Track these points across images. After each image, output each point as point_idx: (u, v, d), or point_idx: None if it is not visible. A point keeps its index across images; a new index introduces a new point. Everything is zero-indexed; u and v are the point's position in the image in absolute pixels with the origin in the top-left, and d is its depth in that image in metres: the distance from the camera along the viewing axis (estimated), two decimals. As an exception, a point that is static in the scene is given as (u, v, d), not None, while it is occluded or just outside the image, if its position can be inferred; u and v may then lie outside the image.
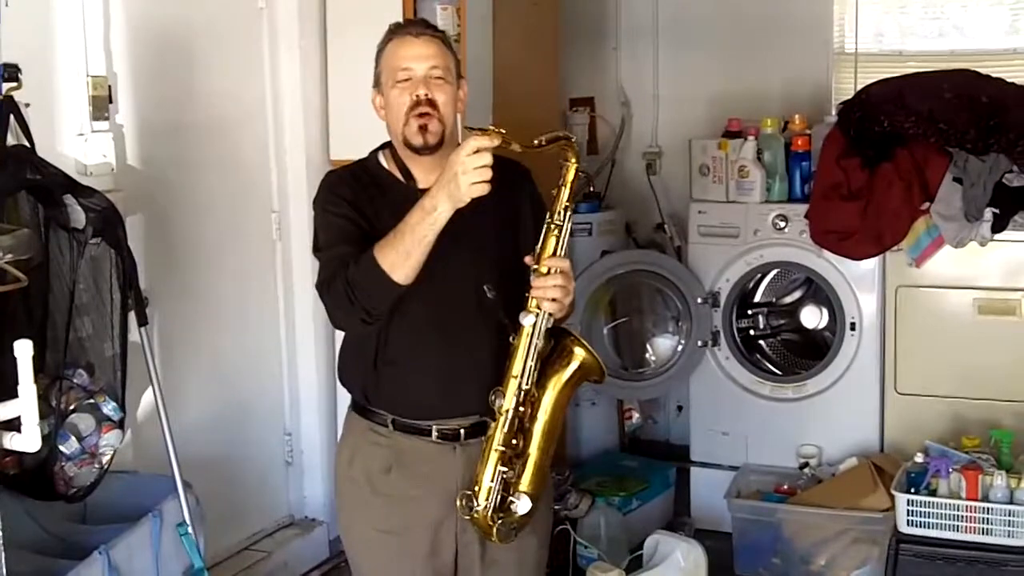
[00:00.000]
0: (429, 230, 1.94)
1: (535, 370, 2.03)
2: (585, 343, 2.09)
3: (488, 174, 1.90)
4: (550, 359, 2.07)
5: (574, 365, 2.08)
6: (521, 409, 2.03)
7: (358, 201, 2.10)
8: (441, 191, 1.92)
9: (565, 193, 2.03)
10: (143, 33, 3.14)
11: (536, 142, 1.99)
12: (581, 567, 3.59)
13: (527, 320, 2.00)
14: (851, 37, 4.45)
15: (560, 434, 2.16)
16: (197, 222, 3.39)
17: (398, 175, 2.15)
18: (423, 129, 2.07)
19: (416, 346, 2.10)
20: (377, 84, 2.15)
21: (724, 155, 3.99)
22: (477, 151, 1.89)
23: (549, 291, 1.99)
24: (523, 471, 2.06)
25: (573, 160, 2.03)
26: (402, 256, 1.95)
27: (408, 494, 2.13)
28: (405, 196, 2.08)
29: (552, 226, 2.02)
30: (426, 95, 2.06)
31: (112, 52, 3.00)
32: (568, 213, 2.02)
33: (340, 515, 2.29)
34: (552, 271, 1.99)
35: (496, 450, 2.02)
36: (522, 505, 2.04)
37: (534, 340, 2.01)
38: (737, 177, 3.96)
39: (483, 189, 1.91)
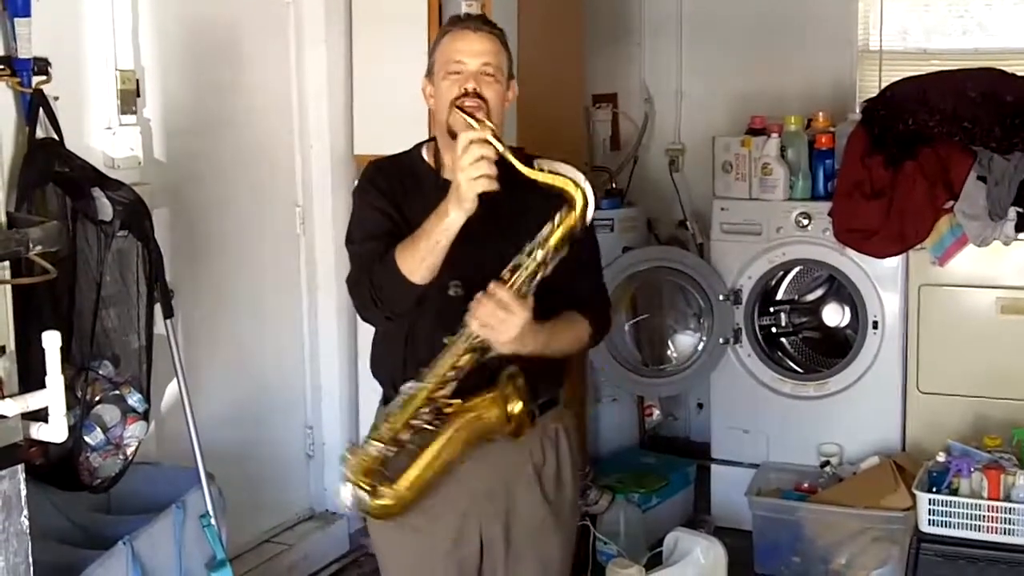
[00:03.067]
0: (442, 235, 1.95)
1: (450, 382, 1.98)
2: (511, 401, 1.98)
3: (486, 167, 1.89)
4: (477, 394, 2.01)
5: (475, 415, 2.00)
6: (424, 410, 2.00)
7: (394, 192, 2.12)
8: (451, 196, 1.94)
9: (557, 235, 1.94)
10: (171, 28, 3.16)
11: (539, 168, 1.94)
12: (601, 563, 3.59)
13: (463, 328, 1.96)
14: (875, 35, 4.43)
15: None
16: (222, 216, 3.41)
17: (433, 166, 2.18)
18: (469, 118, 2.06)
19: (442, 343, 2.08)
20: (429, 73, 2.16)
21: (747, 152, 3.98)
22: (470, 143, 1.90)
23: (479, 309, 1.94)
24: (401, 470, 2.02)
25: (576, 211, 1.94)
26: (418, 260, 1.97)
27: (434, 487, 2.10)
28: (434, 186, 2.11)
29: (531, 260, 1.95)
30: (475, 89, 2.07)
31: (140, 46, 3.03)
32: (552, 255, 1.95)
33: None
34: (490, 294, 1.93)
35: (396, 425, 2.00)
36: (344, 492, 2.00)
37: (458, 348, 1.97)
38: (760, 174, 3.95)
39: (486, 184, 1.89)
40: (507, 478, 2.15)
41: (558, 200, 1.99)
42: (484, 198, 1.94)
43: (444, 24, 2.23)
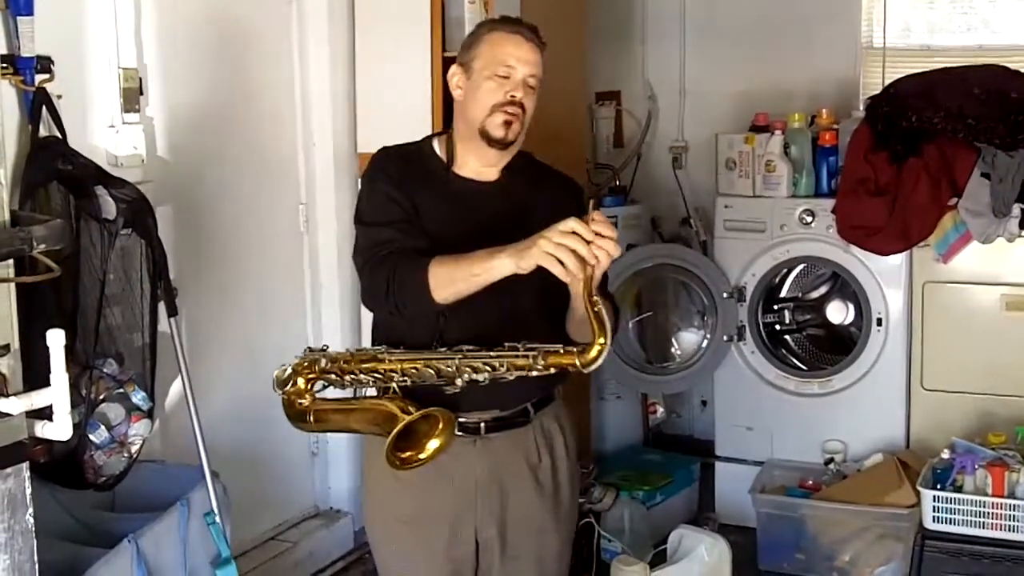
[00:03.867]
0: (485, 273, 1.93)
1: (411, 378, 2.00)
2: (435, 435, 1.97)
3: (569, 259, 1.84)
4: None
5: (385, 411, 2.00)
6: (378, 374, 2.01)
7: (402, 180, 2.12)
8: (515, 246, 1.90)
9: (551, 361, 1.92)
10: (174, 26, 3.17)
11: (594, 298, 1.86)
12: (605, 560, 3.59)
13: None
14: (879, 32, 4.42)
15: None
16: (225, 214, 3.42)
17: (444, 160, 2.17)
18: (507, 125, 2.08)
19: (439, 336, 2.07)
20: (464, 64, 2.14)
21: (751, 149, 3.98)
22: (572, 232, 1.85)
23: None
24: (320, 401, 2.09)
25: (578, 360, 1.89)
26: (449, 281, 1.96)
27: (428, 484, 2.12)
28: (443, 179, 2.14)
29: (522, 355, 1.94)
30: (520, 99, 2.08)
31: (143, 44, 3.03)
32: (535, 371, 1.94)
33: (365, 504, 2.30)
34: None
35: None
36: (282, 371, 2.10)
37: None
38: (764, 172, 3.95)
39: (551, 264, 1.85)
40: (501, 477, 2.15)
41: (565, 199, 2.11)
42: (497, 203, 2.04)
43: (492, 20, 2.23)
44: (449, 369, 1.96)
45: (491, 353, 1.95)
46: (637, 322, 4.33)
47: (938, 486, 3.21)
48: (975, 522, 3.14)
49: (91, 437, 2.57)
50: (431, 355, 1.99)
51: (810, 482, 3.77)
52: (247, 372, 3.52)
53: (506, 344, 1.95)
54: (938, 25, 4.34)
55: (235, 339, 3.48)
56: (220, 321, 3.41)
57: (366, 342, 2.35)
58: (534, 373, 1.93)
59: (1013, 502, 3.10)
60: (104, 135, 2.92)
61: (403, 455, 1.98)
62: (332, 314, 3.83)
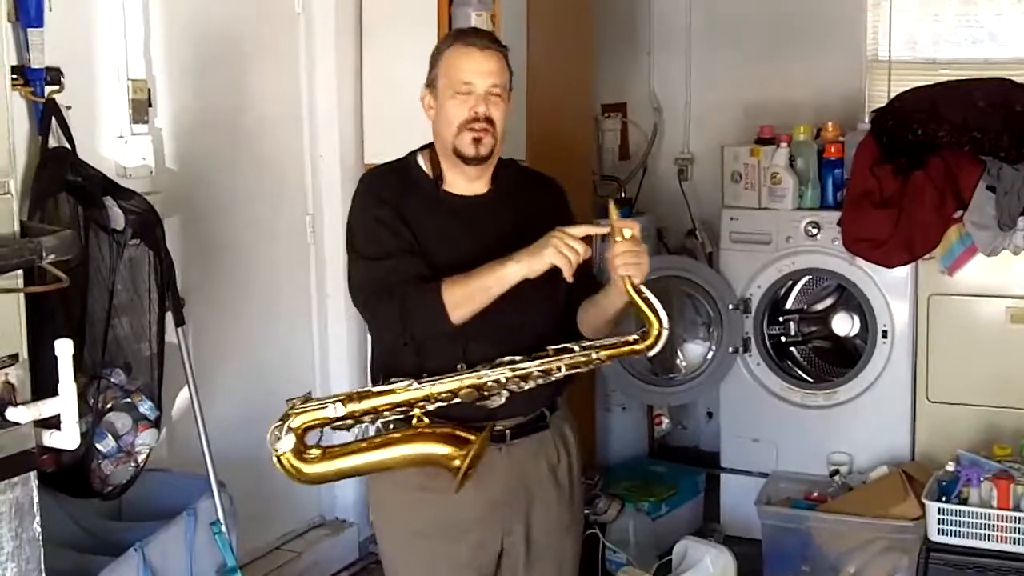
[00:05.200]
0: (497, 284, 1.97)
1: (439, 403, 2.00)
2: (465, 457, 1.98)
3: (574, 258, 1.94)
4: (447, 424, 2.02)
5: (433, 444, 2.01)
6: (399, 409, 1.99)
7: (394, 202, 2.11)
8: (522, 253, 1.96)
9: (614, 352, 2.01)
10: (182, 37, 3.19)
11: (642, 290, 1.96)
12: (610, 571, 3.59)
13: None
14: (884, 45, 4.43)
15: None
16: (233, 224, 3.43)
17: (431, 175, 2.17)
18: (477, 142, 2.09)
19: (461, 355, 2.07)
20: (431, 85, 2.15)
21: (757, 162, 3.98)
22: (583, 236, 1.95)
23: (619, 256, 1.97)
24: (338, 450, 2.01)
25: (644, 345, 1.99)
26: (465, 300, 1.98)
27: (452, 495, 2.08)
28: (434, 197, 2.13)
29: (580, 353, 2.01)
30: (484, 113, 2.08)
31: (152, 56, 3.05)
32: (599, 363, 2.02)
33: (378, 520, 2.28)
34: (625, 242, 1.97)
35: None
36: (281, 438, 1.97)
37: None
38: (769, 184, 3.95)
39: (562, 262, 1.93)
40: (526, 480, 2.17)
41: (553, 203, 2.19)
42: (491, 216, 2.07)
43: (448, 36, 2.21)
44: (495, 384, 1.98)
45: (538, 361, 1.99)
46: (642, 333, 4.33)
47: (943, 498, 3.20)
48: (980, 535, 3.12)
49: (98, 446, 2.58)
50: (471, 375, 1.99)
51: (815, 494, 3.76)
52: (253, 382, 3.53)
53: (552, 348, 2.00)
54: (944, 38, 4.35)
55: (242, 349, 3.49)
56: (227, 331, 3.42)
57: (369, 349, 2.34)
58: (589, 368, 2.00)
59: (1018, 515, 3.09)
60: (113, 146, 2.94)
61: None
62: (338, 324, 3.83)
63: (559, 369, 2.00)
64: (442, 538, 2.14)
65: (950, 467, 3.28)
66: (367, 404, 1.98)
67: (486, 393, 2.00)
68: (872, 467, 3.77)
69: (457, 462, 1.98)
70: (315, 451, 2.00)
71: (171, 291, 2.78)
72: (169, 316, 2.79)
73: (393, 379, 2.01)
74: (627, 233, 1.95)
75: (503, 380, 1.99)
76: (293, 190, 3.72)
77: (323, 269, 3.81)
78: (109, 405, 2.63)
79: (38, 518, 1.79)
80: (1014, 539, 3.09)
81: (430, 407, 2.00)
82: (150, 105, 3.02)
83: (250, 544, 3.34)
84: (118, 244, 2.60)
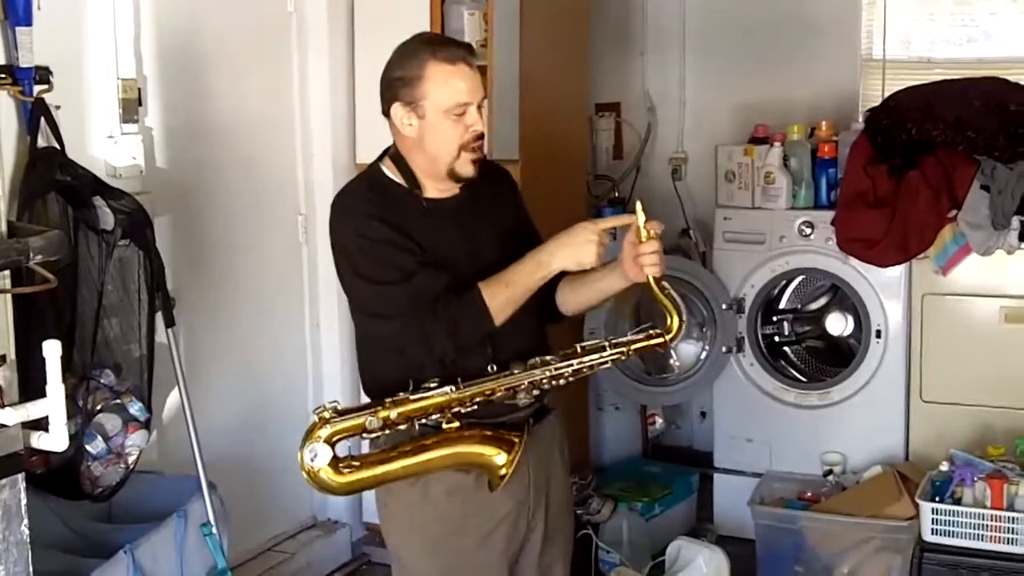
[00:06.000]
0: (538, 282, 2.04)
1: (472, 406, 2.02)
2: (510, 459, 2.02)
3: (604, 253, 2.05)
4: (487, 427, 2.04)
5: (477, 446, 2.03)
6: (434, 416, 2.01)
7: (389, 217, 2.06)
8: (562, 252, 2.02)
9: (640, 346, 2.12)
10: (172, 36, 3.17)
11: (664, 285, 2.08)
12: (603, 572, 3.59)
13: None
14: (879, 44, 4.42)
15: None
16: (224, 224, 3.42)
17: (406, 185, 2.12)
18: (475, 163, 2.08)
19: (491, 355, 2.08)
20: (412, 103, 2.04)
21: (750, 161, 3.97)
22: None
23: (649, 256, 2.08)
24: (371, 459, 2.01)
25: (666, 339, 2.11)
26: (511, 302, 2.03)
27: (482, 491, 2.09)
28: (416, 207, 2.10)
29: (613, 351, 2.08)
30: (481, 129, 2.08)
31: (142, 55, 3.04)
32: (625, 357, 2.11)
33: (396, 529, 2.21)
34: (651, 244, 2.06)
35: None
36: (318, 451, 1.95)
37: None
38: (763, 183, 3.94)
39: (600, 261, 2.05)
40: (546, 462, 2.21)
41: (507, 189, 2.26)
42: (472, 214, 2.11)
43: (414, 44, 2.09)
44: (529, 385, 2.02)
45: (574, 361, 2.04)
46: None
47: (937, 498, 3.19)
48: (974, 534, 3.11)
49: (88, 448, 2.57)
50: (508, 378, 2.01)
51: (809, 494, 3.75)
52: (244, 383, 3.53)
53: (580, 347, 2.06)
54: (938, 37, 4.33)
55: (232, 350, 3.47)
56: (218, 332, 3.40)
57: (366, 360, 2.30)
58: (634, 347, 2.09)
59: (1012, 515, 3.08)
60: (103, 146, 2.92)
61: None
62: (331, 324, 3.82)
63: (591, 368, 2.06)
64: (475, 537, 2.13)
65: (944, 467, 3.27)
66: (403, 410, 1.98)
67: (517, 392, 2.03)
68: (866, 467, 3.76)
69: (503, 468, 2.02)
70: (354, 462, 2.01)
71: (161, 292, 2.76)
72: (159, 317, 2.77)
73: (426, 385, 2.01)
74: (652, 232, 2.03)
75: (538, 381, 2.02)
76: (285, 190, 3.71)
77: (315, 269, 3.79)
78: (99, 406, 2.62)
79: (26, 520, 1.77)
80: (1008, 539, 3.08)
81: (464, 410, 2.01)
82: (140, 104, 3.01)
83: (241, 546, 3.33)
84: (108, 244, 2.60)
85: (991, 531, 3.10)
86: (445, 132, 2.04)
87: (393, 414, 1.97)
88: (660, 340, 2.09)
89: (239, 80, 3.47)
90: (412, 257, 2.04)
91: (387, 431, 1.99)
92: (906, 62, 4.37)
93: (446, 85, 2.03)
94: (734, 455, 4.06)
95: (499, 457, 2.02)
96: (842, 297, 4.01)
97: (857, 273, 3.80)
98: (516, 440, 2.02)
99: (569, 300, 2.20)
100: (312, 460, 1.95)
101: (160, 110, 3.12)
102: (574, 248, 2.00)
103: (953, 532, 3.14)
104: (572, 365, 2.04)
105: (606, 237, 2.02)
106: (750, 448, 4.01)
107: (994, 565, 3.10)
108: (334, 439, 1.96)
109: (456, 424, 2.00)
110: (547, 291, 2.15)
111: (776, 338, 4.13)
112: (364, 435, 1.99)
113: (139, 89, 3.00)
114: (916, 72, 4.22)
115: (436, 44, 2.10)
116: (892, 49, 4.40)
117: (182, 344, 2.95)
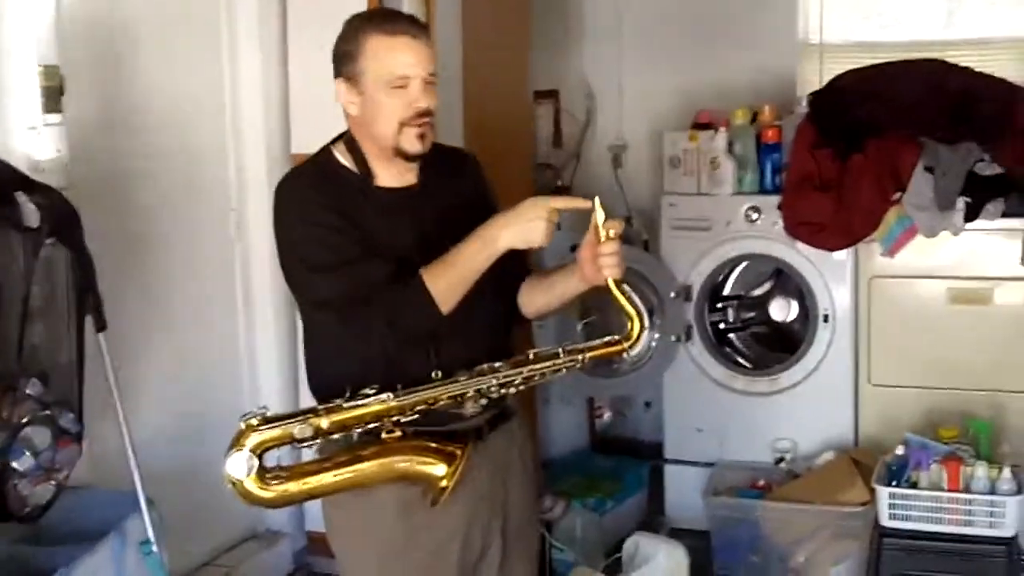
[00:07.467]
0: (485, 260, 1.90)
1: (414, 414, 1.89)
2: (451, 473, 1.89)
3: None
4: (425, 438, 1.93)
5: (416, 458, 1.90)
6: (371, 424, 1.87)
7: (337, 204, 1.96)
8: (509, 229, 1.88)
9: (598, 354, 1.98)
10: (96, 21, 3.00)
11: (625, 288, 1.94)
12: (556, 570, 3.51)
13: None
14: (816, 27, 4.40)
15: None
16: (153, 221, 3.25)
17: (356, 170, 2.03)
18: (422, 138, 1.97)
19: (433, 359, 1.97)
20: (351, 77, 1.96)
21: (695, 147, 3.94)
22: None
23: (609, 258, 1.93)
24: (300, 470, 1.89)
25: (625, 345, 1.97)
26: (456, 286, 1.90)
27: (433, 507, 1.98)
28: (368, 195, 2.00)
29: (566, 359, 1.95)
30: (425, 106, 1.95)
31: (65, 40, 2.84)
32: (582, 365, 1.97)
33: (345, 542, 2.10)
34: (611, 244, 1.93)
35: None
36: (239, 461, 1.81)
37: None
38: (708, 169, 3.91)
39: (548, 241, 1.91)
40: (503, 471, 2.10)
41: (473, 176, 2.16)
42: (430, 205, 2.01)
43: (358, 19, 2.00)
44: (475, 393, 1.90)
45: (525, 368, 1.92)
46: (585, 325, 4.24)
47: (893, 483, 3.19)
48: (932, 518, 3.13)
49: (15, 465, 2.39)
50: (451, 386, 1.89)
51: (761, 482, 3.73)
52: (177, 389, 3.37)
53: (533, 353, 1.94)
54: (876, 20, 4.33)
55: (163, 353, 3.30)
56: (149, 335, 3.23)
57: (302, 353, 2.16)
58: (591, 354, 1.96)
59: (968, 496, 3.10)
60: (24, 137, 2.72)
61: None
62: (266, 325, 3.68)
63: (542, 375, 1.94)
64: (430, 549, 2.03)
65: (899, 451, 3.28)
66: (336, 418, 1.84)
67: (463, 400, 1.91)
68: (816, 453, 3.76)
69: (444, 480, 1.89)
70: (282, 473, 1.86)
71: (91, 293, 2.59)
72: (89, 321, 2.60)
73: (362, 392, 1.87)
74: (612, 232, 1.89)
75: (485, 389, 1.90)
76: (216, 183, 3.55)
77: (248, 264, 3.64)
78: (26, 419, 2.43)
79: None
80: (966, 521, 3.10)
81: (404, 419, 1.88)
82: (63, 93, 2.81)
83: (178, 561, 3.15)
84: (33, 243, 2.41)
85: (949, 513, 3.11)
86: (385, 107, 1.93)
87: (325, 423, 1.83)
88: (619, 347, 1.96)
89: (168, 67, 3.30)
90: (355, 245, 1.93)
91: (319, 440, 1.86)
92: (844, 45, 4.36)
93: (385, 56, 1.93)
94: (684, 445, 4.03)
95: (438, 469, 1.89)
96: (786, 281, 4.00)
97: (803, 258, 3.80)
98: (458, 452, 1.90)
99: (527, 303, 2.12)
100: (236, 471, 1.81)
101: (85, 99, 2.93)
102: (522, 225, 1.87)
103: (910, 516, 3.16)
104: (522, 372, 1.92)
105: (556, 215, 1.89)
106: (701, 438, 3.98)
107: (953, 548, 3.12)
108: (260, 449, 1.83)
109: (397, 433, 1.88)
110: (508, 293, 2.08)
111: (721, 325, 4.12)
112: (295, 444, 1.86)
113: (62, 76, 2.80)
114: (854, 55, 4.21)
115: (377, 16, 2.05)
116: (830, 33, 4.39)
117: (111, 350, 2.77)
